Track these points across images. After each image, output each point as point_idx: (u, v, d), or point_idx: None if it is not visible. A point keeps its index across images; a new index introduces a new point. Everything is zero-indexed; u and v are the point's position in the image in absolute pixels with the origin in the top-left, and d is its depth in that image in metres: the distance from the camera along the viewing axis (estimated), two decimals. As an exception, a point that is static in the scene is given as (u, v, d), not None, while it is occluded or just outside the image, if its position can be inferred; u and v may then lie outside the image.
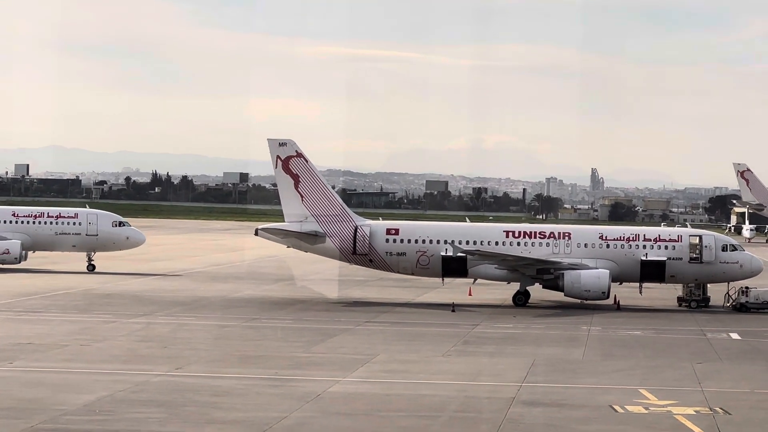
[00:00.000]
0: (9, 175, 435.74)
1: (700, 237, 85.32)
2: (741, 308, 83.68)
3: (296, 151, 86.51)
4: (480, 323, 72.94)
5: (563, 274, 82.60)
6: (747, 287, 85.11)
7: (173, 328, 66.72)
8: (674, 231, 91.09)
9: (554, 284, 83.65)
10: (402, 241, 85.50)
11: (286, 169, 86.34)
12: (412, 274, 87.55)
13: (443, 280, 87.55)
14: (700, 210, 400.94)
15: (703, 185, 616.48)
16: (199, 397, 44.82)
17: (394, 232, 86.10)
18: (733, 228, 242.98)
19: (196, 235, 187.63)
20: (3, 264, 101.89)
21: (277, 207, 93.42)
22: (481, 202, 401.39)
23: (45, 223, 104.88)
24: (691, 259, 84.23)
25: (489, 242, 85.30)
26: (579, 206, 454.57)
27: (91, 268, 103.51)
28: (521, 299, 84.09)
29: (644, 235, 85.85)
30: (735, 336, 70.09)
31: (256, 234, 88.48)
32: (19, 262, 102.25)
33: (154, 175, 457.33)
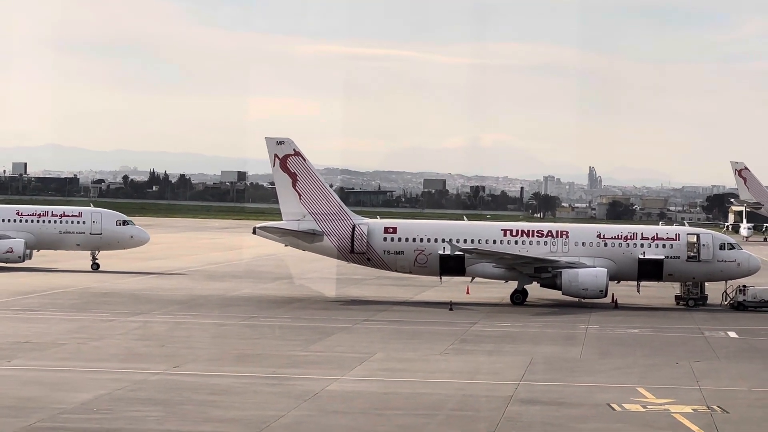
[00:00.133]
0: (7, 174, 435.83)
1: (698, 235, 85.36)
2: (739, 307, 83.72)
3: (294, 149, 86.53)
4: (478, 322, 72.97)
5: (561, 272, 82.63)
6: (745, 286, 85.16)
7: (171, 327, 66.74)
8: (672, 229, 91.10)
9: (552, 283, 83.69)
10: (400, 239, 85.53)
11: (284, 167, 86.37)
12: (410, 272, 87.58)
13: (441, 278, 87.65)
14: (698, 208, 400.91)
15: (701, 184, 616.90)
16: (197, 396, 44.83)
17: (391, 230, 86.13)
18: (730, 226, 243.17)
19: (194, 234, 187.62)
20: (7, 263, 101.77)
21: (275, 205, 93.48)
22: (479, 201, 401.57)
23: (49, 221, 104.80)
24: (688, 257, 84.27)
25: (487, 241, 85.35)
26: (577, 205, 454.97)
27: (96, 266, 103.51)
28: (519, 298, 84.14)
29: (642, 234, 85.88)
30: (733, 334, 70.13)
31: (254, 232, 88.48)
32: (23, 261, 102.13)
33: (152, 173, 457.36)
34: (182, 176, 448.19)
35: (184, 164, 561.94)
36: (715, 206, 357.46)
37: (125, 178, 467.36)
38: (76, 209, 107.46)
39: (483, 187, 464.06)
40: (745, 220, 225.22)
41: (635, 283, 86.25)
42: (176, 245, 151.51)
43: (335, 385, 48.12)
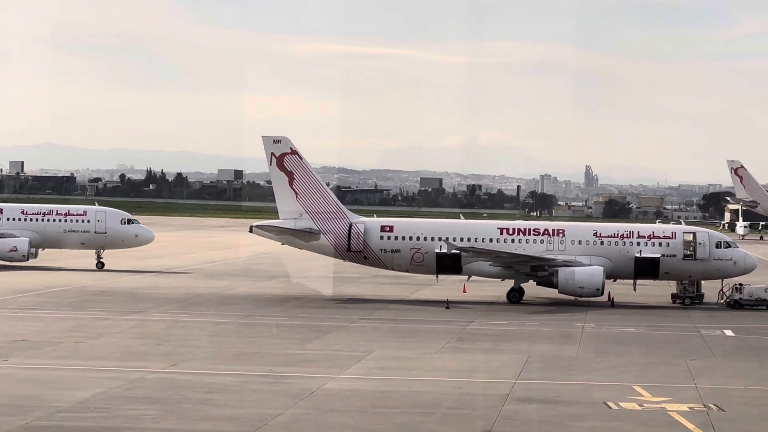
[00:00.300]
0: (4, 172, 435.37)
1: (694, 234, 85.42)
2: (735, 305, 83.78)
3: (291, 148, 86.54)
4: (474, 320, 73.01)
5: (557, 271, 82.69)
6: (741, 284, 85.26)
7: (168, 325, 66.76)
8: (668, 228, 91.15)
9: (548, 281, 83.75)
10: (396, 238, 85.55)
11: (281, 166, 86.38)
12: (407, 271, 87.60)
13: (437, 277, 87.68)
14: (694, 207, 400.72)
15: (697, 182, 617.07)
16: (194, 394, 44.87)
17: (388, 229, 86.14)
18: (726, 225, 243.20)
19: (191, 232, 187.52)
20: (11, 261, 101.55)
21: (271, 204, 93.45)
22: (476, 199, 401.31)
23: (54, 220, 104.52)
24: (685, 256, 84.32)
25: (483, 239, 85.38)
26: (573, 203, 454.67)
27: (101, 265, 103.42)
28: (515, 296, 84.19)
29: (638, 232, 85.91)
30: (729, 333, 70.21)
31: (251, 231, 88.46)
32: (28, 260, 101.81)
33: (149, 172, 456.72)
34: (179, 175, 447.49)
35: (181, 163, 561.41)
36: (712, 205, 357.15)
37: (122, 176, 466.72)
38: (80, 208, 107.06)
39: (480, 186, 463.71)
40: (741, 219, 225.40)
41: (632, 281, 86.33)
42: (173, 244, 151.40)
43: (332, 383, 48.17)
